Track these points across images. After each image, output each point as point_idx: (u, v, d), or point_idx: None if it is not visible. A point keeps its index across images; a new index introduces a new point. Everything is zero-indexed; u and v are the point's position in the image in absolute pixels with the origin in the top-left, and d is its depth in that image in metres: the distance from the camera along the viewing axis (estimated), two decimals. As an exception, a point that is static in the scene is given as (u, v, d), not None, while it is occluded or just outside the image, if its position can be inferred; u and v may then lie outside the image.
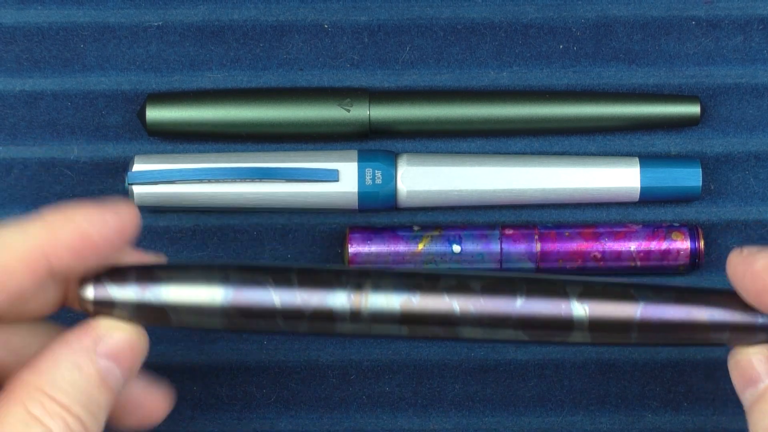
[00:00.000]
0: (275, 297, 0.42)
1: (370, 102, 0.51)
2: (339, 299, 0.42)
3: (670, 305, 0.42)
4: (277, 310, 0.42)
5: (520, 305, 0.42)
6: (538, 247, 0.50)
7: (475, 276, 0.42)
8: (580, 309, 0.42)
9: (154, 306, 0.41)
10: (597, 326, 0.42)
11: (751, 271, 0.41)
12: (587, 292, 0.42)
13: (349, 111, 0.51)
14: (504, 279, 0.42)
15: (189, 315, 0.42)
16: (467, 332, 0.42)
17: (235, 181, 0.50)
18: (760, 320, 0.42)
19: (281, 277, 0.42)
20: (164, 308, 0.42)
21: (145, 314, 0.42)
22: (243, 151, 0.52)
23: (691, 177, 0.51)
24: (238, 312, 0.42)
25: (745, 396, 0.43)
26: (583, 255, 0.51)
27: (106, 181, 0.52)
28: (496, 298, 0.42)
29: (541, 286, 0.42)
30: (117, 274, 0.42)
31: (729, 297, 0.42)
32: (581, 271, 0.51)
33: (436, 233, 0.51)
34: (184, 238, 0.52)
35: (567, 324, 0.42)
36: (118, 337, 0.41)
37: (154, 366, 0.51)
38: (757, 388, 0.42)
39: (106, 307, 0.41)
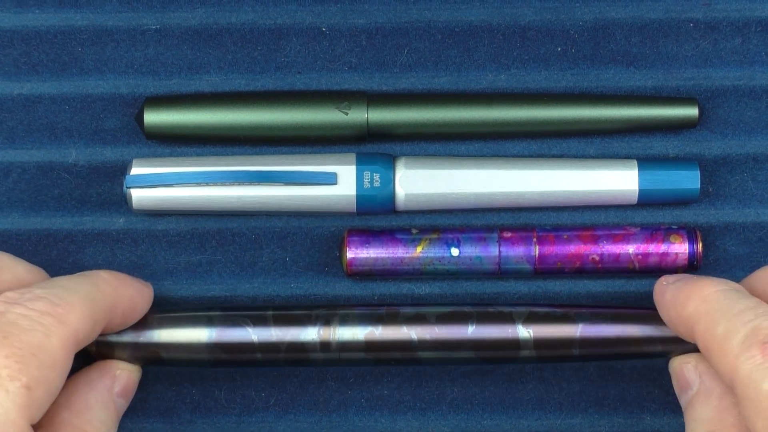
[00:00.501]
0: (253, 335, 0.48)
1: (368, 105, 0.51)
2: (310, 334, 0.48)
3: (606, 325, 0.48)
4: (255, 345, 0.48)
5: (471, 331, 0.48)
6: (536, 250, 0.50)
7: (431, 310, 0.49)
8: (525, 332, 0.48)
9: (149, 348, 0.48)
10: (541, 345, 0.48)
11: (662, 301, 0.47)
12: (531, 318, 0.48)
13: (347, 114, 0.51)
14: (457, 311, 0.49)
15: (178, 353, 0.49)
16: (425, 356, 0.49)
17: (234, 185, 0.50)
18: None
19: (258, 318, 0.49)
20: (157, 349, 0.48)
21: (140, 355, 0.49)
22: (241, 154, 0.52)
23: (689, 179, 0.51)
24: (221, 349, 0.48)
25: (681, 401, 0.48)
26: (582, 258, 0.51)
27: (105, 184, 0.52)
28: (450, 327, 0.48)
29: (490, 314, 0.49)
30: None
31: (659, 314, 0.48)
32: (579, 273, 0.51)
33: (434, 236, 0.51)
34: (182, 242, 0.52)
35: (514, 344, 0.48)
36: (127, 377, 0.48)
37: (155, 369, 0.51)
38: (689, 395, 0.47)
39: (107, 349, 0.48)
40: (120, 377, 0.48)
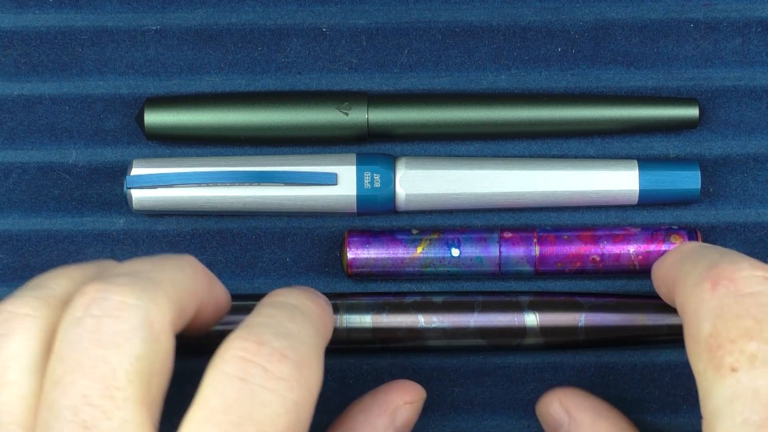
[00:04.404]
0: None
1: (368, 105, 0.51)
2: None
3: (611, 312, 0.49)
4: None
5: (477, 316, 0.49)
6: (536, 250, 0.50)
7: (438, 293, 0.50)
8: (531, 317, 0.49)
9: None
10: (547, 331, 0.49)
11: (654, 267, 0.48)
12: (537, 303, 0.49)
13: (347, 114, 0.51)
14: (462, 293, 0.50)
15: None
16: (432, 341, 0.49)
17: (234, 185, 0.50)
18: None
19: None
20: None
21: None
22: (241, 154, 0.52)
23: (689, 179, 0.51)
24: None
25: None
26: (582, 258, 0.51)
27: (105, 185, 0.52)
28: (456, 311, 0.49)
29: (496, 298, 0.49)
30: None
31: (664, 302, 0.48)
32: (580, 274, 0.51)
33: (434, 237, 0.51)
34: (183, 242, 0.52)
35: (520, 331, 0.49)
36: (409, 410, 0.47)
37: (153, 370, 0.51)
38: None
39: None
40: (401, 411, 0.47)
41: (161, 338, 0.39)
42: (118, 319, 0.39)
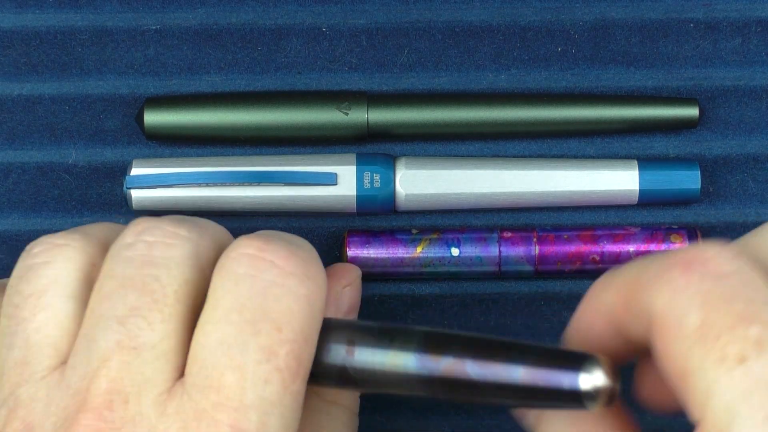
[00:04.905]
0: None
1: (368, 105, 0.51)
2: None
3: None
4: None
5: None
6: (536, 250, 0.51)
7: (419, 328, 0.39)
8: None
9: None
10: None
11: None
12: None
13: (347, 114, 0.51)
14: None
15: None
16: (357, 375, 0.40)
17: (234, 185, 0.50)
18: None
19: None
20: None
21: None
22: (241, 154, 0.52)
23: (689, 179, 0.51)
24: None
25: (529, 420, 0.40)
26: (582, 257, 0.51)
27: (105, 185, 0.52)
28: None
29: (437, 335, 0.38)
30: None
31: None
32: (580, 273, 0.51)
33: (434, 236, 0.51)
34: (182, 242, 0.52)
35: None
36: (348, 296, 0.46)
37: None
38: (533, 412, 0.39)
39: None
40: (342, 296, 0.46)
41: (206, 272, 0.39)
42: (170, 246, 0.39)
